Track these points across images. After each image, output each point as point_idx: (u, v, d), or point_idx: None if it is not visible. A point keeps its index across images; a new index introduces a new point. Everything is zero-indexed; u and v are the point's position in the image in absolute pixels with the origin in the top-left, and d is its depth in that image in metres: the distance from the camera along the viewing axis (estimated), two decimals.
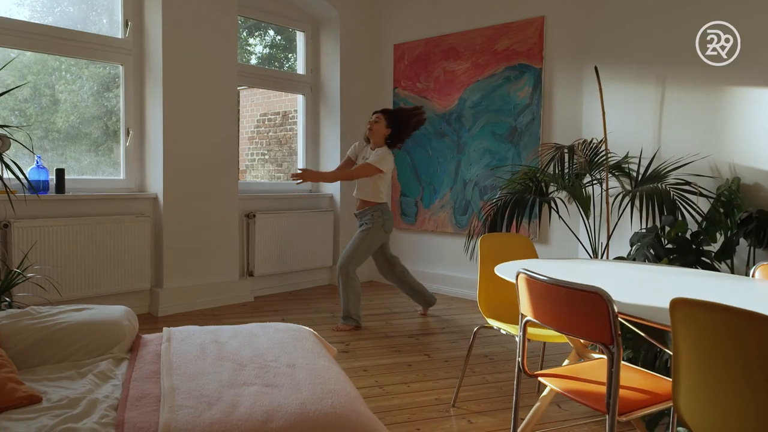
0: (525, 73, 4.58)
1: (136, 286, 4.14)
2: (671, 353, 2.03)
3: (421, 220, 5.30)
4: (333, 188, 5.54)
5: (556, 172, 3.58)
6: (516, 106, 4.64)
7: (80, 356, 1.87)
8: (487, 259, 2.64)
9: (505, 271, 2.19)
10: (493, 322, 2.50)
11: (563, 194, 3.82)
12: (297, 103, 5.77)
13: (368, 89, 5.71)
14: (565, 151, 3.53)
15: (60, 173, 3.85)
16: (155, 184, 4.27)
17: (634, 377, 1.84)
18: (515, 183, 3.76)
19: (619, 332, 1.53)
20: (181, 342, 1.99)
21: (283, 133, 7.55)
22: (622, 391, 1.67)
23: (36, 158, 3.78)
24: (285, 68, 5.79)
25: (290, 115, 7.29)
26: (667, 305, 1.36)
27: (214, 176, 4.49)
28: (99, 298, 3.97)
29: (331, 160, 5.53)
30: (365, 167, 3.91)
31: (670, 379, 1.83)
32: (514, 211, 3.47)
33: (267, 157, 7.97)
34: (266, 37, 6.05)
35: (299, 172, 3.85)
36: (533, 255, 2.75)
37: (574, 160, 3.49)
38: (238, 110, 8.47)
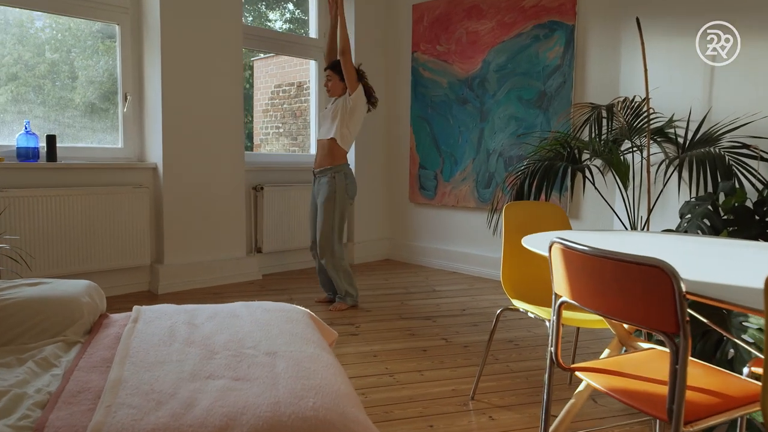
0: (556, 31, 4.16)
1: (134, 262, 3.88)
2: (740, 343, 1.64)
3: (441, 195, 4.94)
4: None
5: (593, 136, 3.18)
6: (545, 68, 4.23)
7: (26, 339, 1.58)
8: (513, 231, 2.28)
9: (535, 243, 1.83)
10: (519, 304, 2.15)
11: (597, 162, 3.42)
12: (309, 70, 5.42)
13: (385, 54, 5.33)
14: (603, 111, 3.12)
15: (51, 140, 3.58)
16: (155, 153, 3.99)
17: (697, 374, 1.48)
18: (544, 150, 3.37)
19: (687, 318, 1.17)
20: (148, 323, 1.69)
21: (297, 105, 7.22)
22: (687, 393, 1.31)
23: (24, 123, 3.51)
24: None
25: (305, 86, 6.93)
26: (748, 284, 1.00)
27: (219, 145, 4.19)
28: (93, 274, 3.72)
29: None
30: (350, 65, 3.57)
31: (745, 378, 1.46)
32: (543, 181, 3.09)
33: (281, 130, 7.66)
34: (286, 13, 5.73)
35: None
36: (566, 226, 2.39)
37: (613, 123, 3.08)
38: (250, 76, 8.16)
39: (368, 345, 2.96)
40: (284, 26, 5.63)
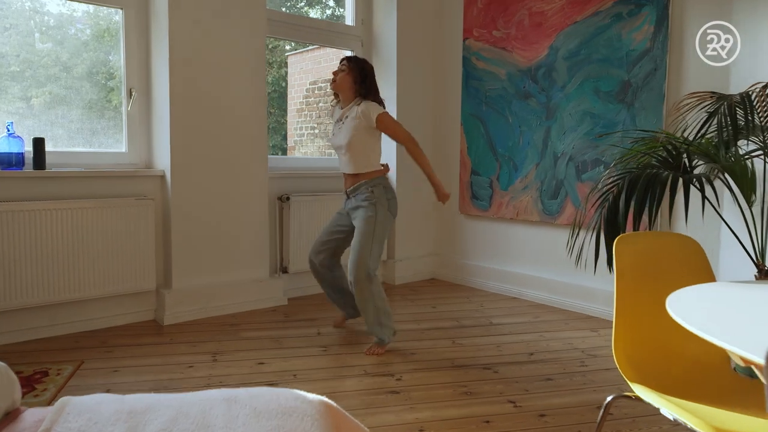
0: (644, 7, 3.38)
1: (137, 287, 3.30)
2: None
3: (498, 205, 4.21)
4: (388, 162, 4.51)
5: (702, 134, 2.41)
6: (630, 53, 3.45)
7: None
8: (629, 276, 1.55)
9: (687, 309, 1.11)
10: (646, 393, 1.42)
11: (702, 168, 2.64)
12: (336, 56, 4.76)
13: (431, 42, 4.63)
14: (736, 102, 2.34)
15: (38, 144, 3.03)
16: (163, 158, 3.41)
17: None
18: (639, 153, 2.61)
19: None
20: None
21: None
22: None
23: (7, 125, 2.97)
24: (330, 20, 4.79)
25: None
26: None
27: (238, 149, 3.58)
28: (87, 302, 3.16)
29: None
30: (390, 127, 2.98)
31: None
32: (645, 195, 2.34)
33: (317, 131, 7.06)
34: (327, 10, 5.15)
35: (445, 195, 3.08)
36: (706, 269, 1.64)
37: (757, 116, 2.30)
38: (285, 74, 7.60)
39: (413, 410, 2.28)
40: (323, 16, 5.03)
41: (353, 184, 2.99)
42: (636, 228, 2.36)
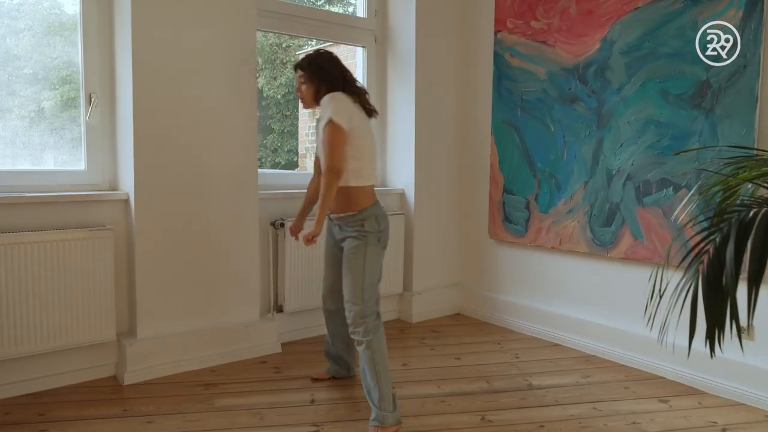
0: None
1: (92, 338, 2.68)
2: None
3: (536, 231, 3.51)
4: (404, 180, 3.85)
5: None
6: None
7: None
8: None
9: None
10: None
11: None
12: (356, 59, 4.11)
13: (457, 36, 3.94)
14: None
15: None
16: (128, 178, 2.79)
17: None
18: (740, 182, 1.88)
19: None
20: None
21: None
22: None
23: None
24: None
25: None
26: None
27: (219, 165, 2.94)
28: (28, 359, 2.56)
29: (402, 139, 3.84)
30: (325, 142, 2.30)
31: None
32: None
33: None
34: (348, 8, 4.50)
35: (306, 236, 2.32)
36: None
37: None
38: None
39: None
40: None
41: (339, 212, 2.43)
42: (753, 295, 1.65)
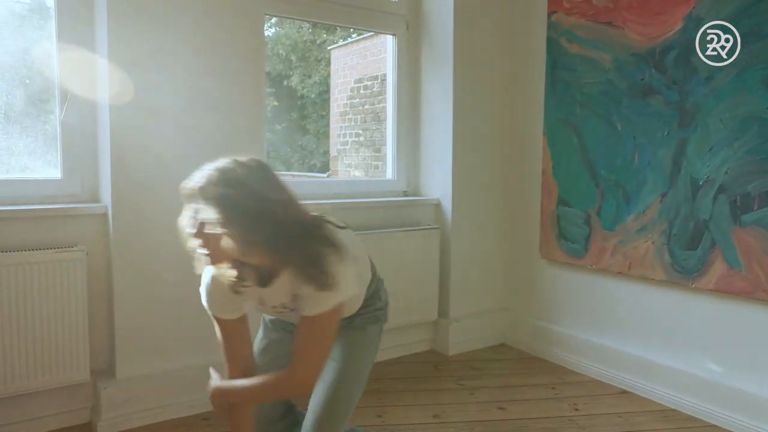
0: None
1: (61, 379, 2.25)
2: None
3: (598, 251, 2.91)
4: (439, 189, 3.30)
5: None
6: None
7: None
8: None
9: None
10: None
11: None
12: (385, 48, 3.59)
13: (503, 20, 3.37)
14: None
15: None
16: (106, 188, 2.35)
17: None
18: None
19: None
20: None
21: (382, 104, 5.46)
22: None
23: None
24: None
25: None
26: None
27: None
28: None
29: (437, 140, 3.30)
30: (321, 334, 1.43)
31: None
32: None
33: (362, 138, 5.93)
34: None
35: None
36: None
37: None
38: (327, 74, 6.54)
39: None
40: None
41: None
42: None
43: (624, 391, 2.74)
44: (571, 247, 3.04)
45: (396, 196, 3.37)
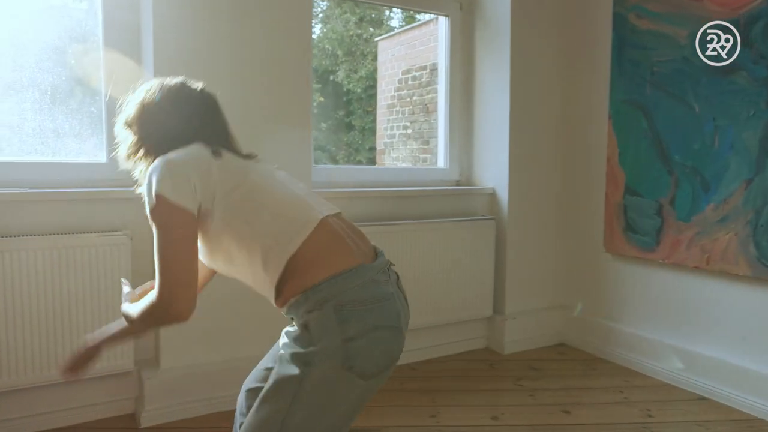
0: None
1: (106, 367, 2.17)
2: None
3: (672, 245, 2.67)
4: (495, 177, 3.12)
5: None
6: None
7: None
8: None
9: None
10: None
11: None
12: (435, 37, 3.43)
13: None
14: None
15: None
16: None
17: None
18: None
19: None
20: None
21: (431, 95, 5.29)
22: None
23: None
24: None
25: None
26: None
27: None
28: (31, 392, 2.09)
29: (493, 126, 3.11)
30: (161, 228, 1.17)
31: None
32: None
33: (410, 131, 5.78)
34: None
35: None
36: None
37: None
38: (374, 67, 6.45)
39: None
40: None
41: (282, 304, 1.21)
42: None
43: (702, 398, 2.49)
44: (641, 240, 2.81)
45: (448, 185, 3.20)
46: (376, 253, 1.27)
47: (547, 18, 3.11)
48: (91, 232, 2.14)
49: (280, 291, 1.19)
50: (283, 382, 1.13)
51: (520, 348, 3.07)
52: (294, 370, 1.11)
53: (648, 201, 2.77)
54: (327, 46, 7.56)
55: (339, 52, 7.74)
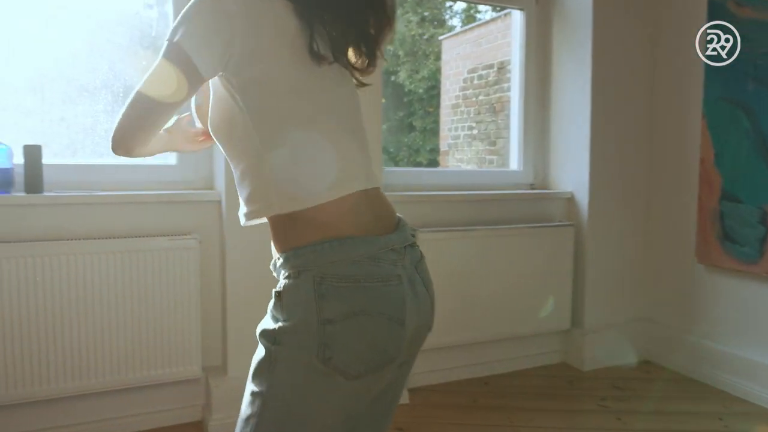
0: None
1: (172, 374, 2.14)
2: None
3: None
4: (574, 180, 2.92)
5: None
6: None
7: None
8: None
9: None
10: None
11: None
12: (512, 30, 3.25)
13: None
14: None
15: (32, 155, 2.01)
16: (220, 175, 2.22)
17: None
18: None
19: None
20: None
21: (498, 94, 5.10)
22: None
23: None
24: None
25: (509, 68, 4.80)
26: None
27: None
28: (95, 397, 2.07)
29: (572, 126, 2.92)
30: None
31: None
32: None
33: (475, 131, 5.60)
34: None
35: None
36: None
37: None
38: (438, 68, 6.33)
39: None
40: None
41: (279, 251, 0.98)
42: None
43: None
44: (740, 251, 2.55)
45: (522, 189, 3.03)
46: (397, 227, 1.01)
47: (633, 10, 2.88)
48: (161, 236, 2.10)
49: (277, 233, 0.97)
50: (256, 371, 0.93)
51: (601, 364, 2.85)
52: (261, 352, 0.92)
53: (749, 207, 2.51)
54: (388, 47, 7.48)
55: (400, 53, 7.64)
